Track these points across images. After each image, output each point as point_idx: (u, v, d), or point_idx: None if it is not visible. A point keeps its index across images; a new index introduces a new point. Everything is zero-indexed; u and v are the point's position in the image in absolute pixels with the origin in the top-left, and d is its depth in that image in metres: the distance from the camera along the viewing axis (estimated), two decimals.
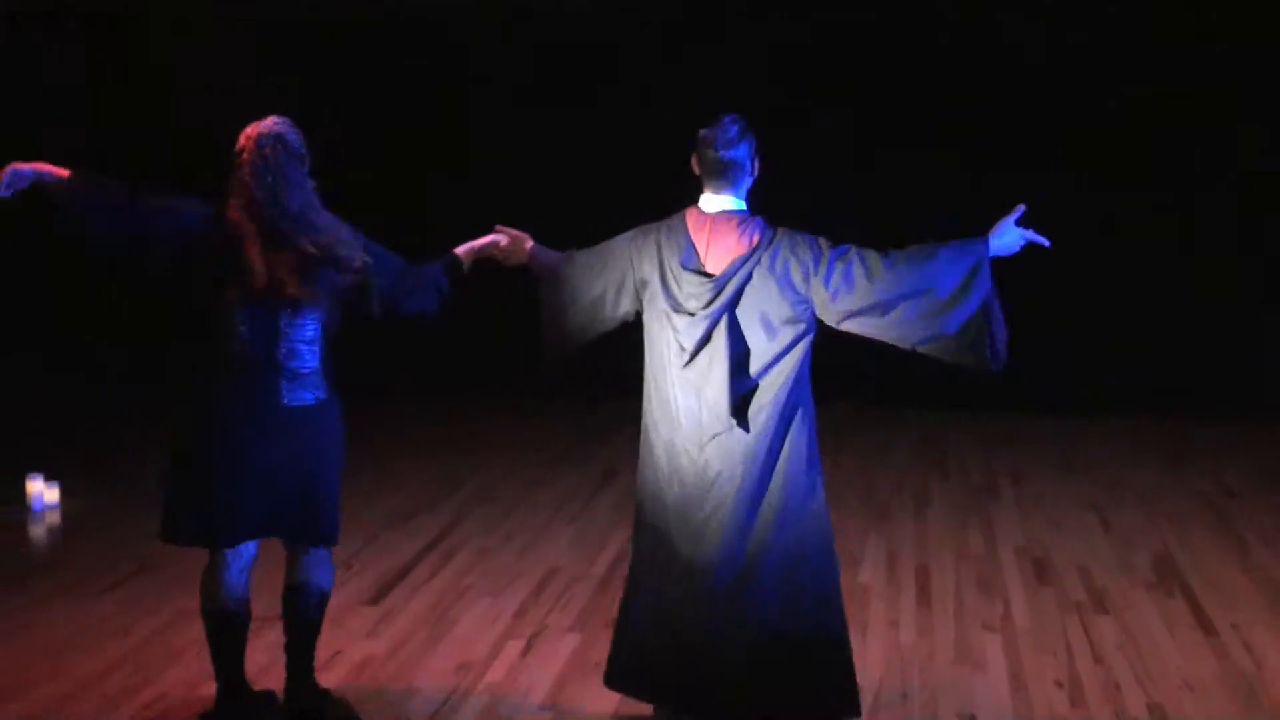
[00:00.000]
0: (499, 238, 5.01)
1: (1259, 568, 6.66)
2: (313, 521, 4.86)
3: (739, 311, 4.47)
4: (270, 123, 4.69)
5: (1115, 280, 10.12)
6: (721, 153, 4.50)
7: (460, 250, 5.07)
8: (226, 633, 4.89)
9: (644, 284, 4.60)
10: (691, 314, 4.47)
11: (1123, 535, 7.19)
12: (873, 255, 4.46)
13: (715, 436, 4.47)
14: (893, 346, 4.57)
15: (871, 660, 5.48)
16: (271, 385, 4.70)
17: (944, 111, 10.01)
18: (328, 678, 5.28)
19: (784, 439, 4.49)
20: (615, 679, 4.77)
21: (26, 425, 9.72)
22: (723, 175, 4.53)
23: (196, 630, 5.69)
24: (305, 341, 4.75)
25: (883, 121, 10.08)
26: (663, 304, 4.53)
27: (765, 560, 4.48)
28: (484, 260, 5.08)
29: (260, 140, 4.64)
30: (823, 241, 4.52)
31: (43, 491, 7.64)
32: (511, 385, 9.95)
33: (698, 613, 4.49)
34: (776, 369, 4.48)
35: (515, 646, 5.63)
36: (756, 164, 4.60)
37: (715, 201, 4.56)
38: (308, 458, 4.79)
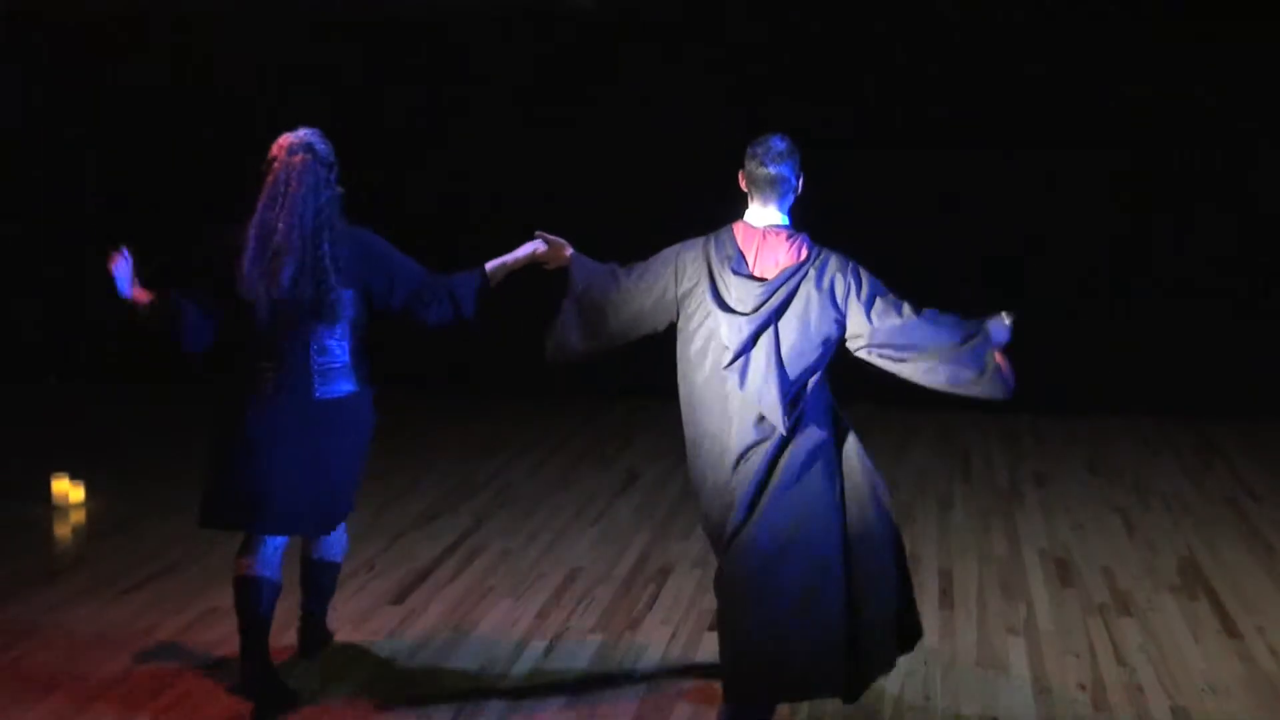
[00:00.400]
0: (538, 245, 5.20)
1: None
2: (333, 510, 5.23)
3: (781, 320, 4.67)
4: (301, 132, 5.03)
5: (1135, 281, 10.09)
6: (770, 168, 4.71)
7: (491, 265, 5.28)
8: (254, 601, 5.10)
9: (686, 295, 4.78)
10: (743, 314, 4.66)
11: (1147, 538, 7.16)
12: (907, 304, 4.69)
13: (749, 436, 4.64)
14: None
15: None
16: (304, 380, 5.04)
17: (942, 110, 9.98)
18: (350, 678, 5.30)
19: (821, 437, 4.71)
20: (732, 693, 4.77)
21: (52, 424, 9.77)
22: (771, 189, 4.73)
23: (220, 631, 5.74)
24: (334, 338, 5.08)
25: (881, 121, 10.07)
26: (710, 306, 4.70)
27: (787, 554, 4.62)
28: (520, 269, 5.29)
29: (291, 149, 4.98)
30: (863, 271, 4.75)
31: (68, 490, 7.67)
32: (532, 387, 9.98)
33: (762, 604, 4.65)
34: (814, 368, 4.69)
35: (537, 648, 5.64)
36: (801, 180, 4.79)
37: (763, 215, 4.76)
38: (336, 449, 5.13)
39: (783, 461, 4.64)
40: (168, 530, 7.13)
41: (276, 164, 4.98)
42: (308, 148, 4.99)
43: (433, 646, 5.65)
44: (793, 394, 4.65)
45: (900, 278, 4.90)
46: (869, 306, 4.66)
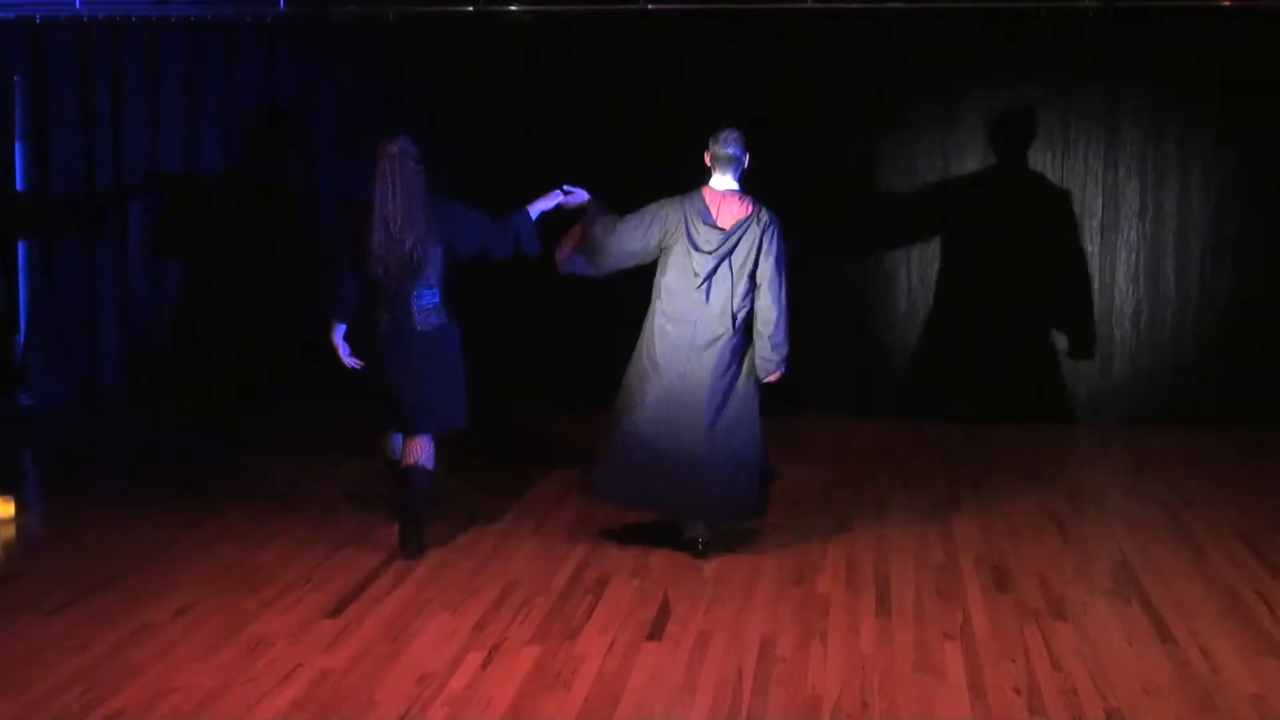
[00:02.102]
0: (560, 196, 7.24)
1: (1216, 575, 6.70)
2: (444, 413, 7.18)
3: (732, 256, 6.84)
4: (399, 139, 6.85)
5: (1070, 288, 10.18)
6: (728, 150, 6.91)
7: (531, 208, 7.21)
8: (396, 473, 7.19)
9: (668, 232, 6.92)
10: (708, 252, 6.85)
11: (1081, 543, 7.22)
12: (775, 278, 6.88)
13: (710, 334, 6.83)
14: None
15: (831, 669, 5.50)
16: (408, 319, 6.96)
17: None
18: (286, 692, 5.26)
19: (746, 340, 6.94)
20: (604, 490, 7.10)
21: None
22: (727, 165, 6.94)
23: (155, 646, 5.70)
24: (428, 286, 6.96)
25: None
26: (687, 245, 6.88)
27: (727, 410, 6.90)
28: (549, 212, 7.25)
29: (391, 151, 6.82)
30: (778, 232, 6.92)
31: None
32: (472, 398, 9.93)
33: (680, 443, 6.85)
34: (747, 294, 6.90)
35: (475, 659, 5.61)
36: (747, 157, 6.96)
37: (722, 182, 6.96)
38: (435, 368, 7.05)
39: (727, 346, 6.86)
40: (99, 547, 7.06)
41: (383, 163, 6.80)
42: (403, 149, 6.83)
43: (370, 659, 5.62)
44: (738, 307, 6.86)
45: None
46: (766, 258, 6.86)
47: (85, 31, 10.47)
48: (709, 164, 6.96)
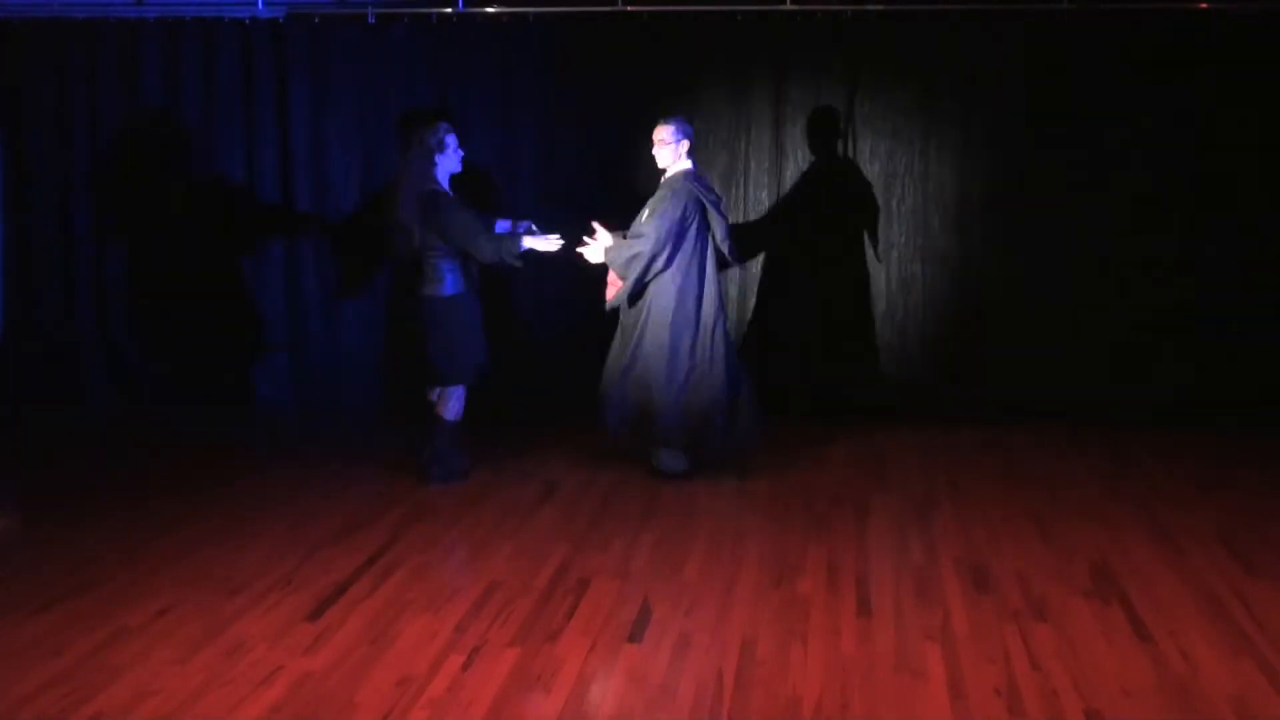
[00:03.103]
0: (544, 244, 8.20)
1: (1195, 575, 6.71)
2: (435, 373, 8.19)
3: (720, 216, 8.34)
4: (423, 127, 8.05)
5: (1049, 288, 10.20)
6: (692, 138, 8.39)
7: (524, 240, 8.09)
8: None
9: (695, 215, 8.19)
10: (715, 222, 8.27)
11: (1061, 543, 7.23)
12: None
13: (715, 285, 8.29)
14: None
15: (812, 670, 5.50)
16: (415, 284, 8.06)
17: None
18: (266, 695, 5.25)
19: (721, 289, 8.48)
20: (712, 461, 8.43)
21: None
22: (692, 149, 8.36)
23: (135, 648, 5.68)
24: (436, 256, 7.98)
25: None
26: (701, 221, 8.20)
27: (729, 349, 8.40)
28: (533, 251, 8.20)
29: (415, 138, 8.02)
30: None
31: None
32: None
33: (719, 384, 8.27)
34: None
35: (455, 661, 5.61)
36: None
37: (691, 165, 8.34)
38: (438, 329, 8.04)
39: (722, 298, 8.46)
40: (77, 550, 7.03)
41: (410, 147, 8.04)
42: (420, 135, 7.99)
43: (350, 661, 5.61)
44: (726, 263, 8.53)
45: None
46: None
47: (63, 31, 10.41)
48: (685, 151, 8.28)
